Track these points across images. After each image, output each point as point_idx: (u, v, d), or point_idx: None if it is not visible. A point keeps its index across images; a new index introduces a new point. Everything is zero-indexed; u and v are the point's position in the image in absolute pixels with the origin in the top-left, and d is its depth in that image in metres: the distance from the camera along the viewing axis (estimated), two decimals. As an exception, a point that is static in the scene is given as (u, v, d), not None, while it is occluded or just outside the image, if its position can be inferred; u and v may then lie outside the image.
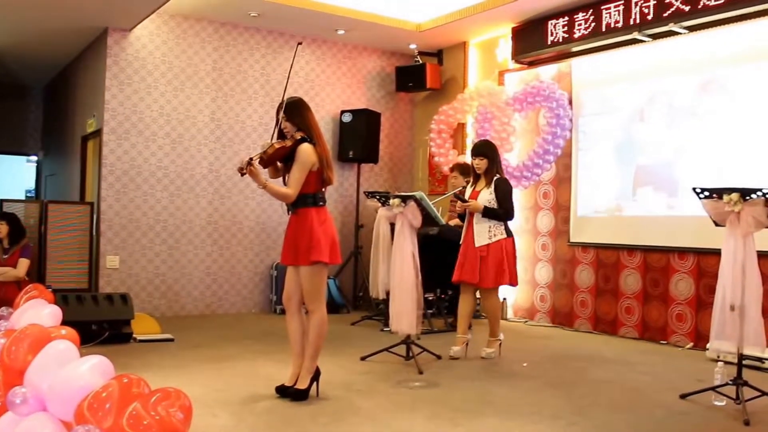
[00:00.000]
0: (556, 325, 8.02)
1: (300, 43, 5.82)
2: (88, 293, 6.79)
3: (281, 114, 4.57)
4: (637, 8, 7.02)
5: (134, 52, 8.13)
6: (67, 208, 8.01)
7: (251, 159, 4.40)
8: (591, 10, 7.47)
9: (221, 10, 8.12)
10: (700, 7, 6.49)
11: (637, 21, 7.01)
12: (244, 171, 4.36)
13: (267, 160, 4.48)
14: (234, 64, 8.69)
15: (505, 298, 8.24)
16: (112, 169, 8.00)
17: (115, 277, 7.98)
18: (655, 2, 6.86)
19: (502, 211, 6.11)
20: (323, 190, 4.64)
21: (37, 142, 12.36)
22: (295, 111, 4.60)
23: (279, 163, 4.67)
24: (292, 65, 5.04)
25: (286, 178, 4.60)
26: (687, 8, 6.58)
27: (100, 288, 7.84)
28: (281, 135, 4.61)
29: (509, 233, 6.17)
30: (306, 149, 4.49)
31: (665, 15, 6.77)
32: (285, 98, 4.65)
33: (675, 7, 6.68)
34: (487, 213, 6.07)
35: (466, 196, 6.31)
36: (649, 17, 6.91)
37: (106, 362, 2.95)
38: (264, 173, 4.53)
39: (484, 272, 6.02)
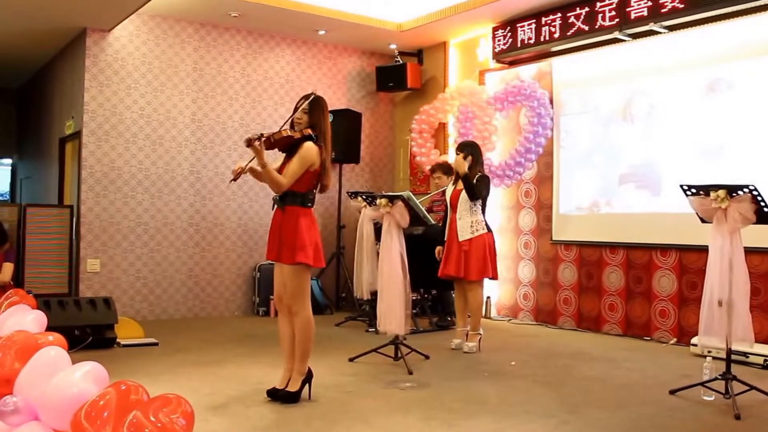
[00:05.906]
0: (540, 323, 8.05)
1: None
2: (70, 298, 6.69)
3: (304, 104, 4.56)
4: (618, 8, 7.06)
5: (114, 53, 8.03)
6: (46, 211, 7.90)
7: (263, 135, 4.38)
8: (571, 10, 7.50)
9: (201, 10, 8.05)
10: (681, 6, 6.54)
11: (618, 21, 7.06)
12: (254, 143, 4.30)
13: (273, 143, 4.46)
14: (214, 65, 8.62)
15: (488, 297, 8.26)
16: (91, 171, 7.90)
17: (95, 281, 7.88)
18: (636, 2, 6.91)
19: (476, 190, 6.22)
20: (314, 192, 4.61)
21: (11, 144, 12.18)
22: (317, 107, 4.61)
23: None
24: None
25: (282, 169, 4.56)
26: (667, 8, 6.64)
27: (81, 292, 7.74)
28: (292, 125, 4.61)
29: (489, 228, 6.32)
30: (311, 147, 4.49)
31: (646, 15, 6.82)
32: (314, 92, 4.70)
33: (655, 6, 6.73)
34: (465, 180, 6.21)
35: (448, 195, 6.44)
36: (630, 17, 6.95)
37: (100, 369, 2.89)
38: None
39: (468, 265, 6.20)
